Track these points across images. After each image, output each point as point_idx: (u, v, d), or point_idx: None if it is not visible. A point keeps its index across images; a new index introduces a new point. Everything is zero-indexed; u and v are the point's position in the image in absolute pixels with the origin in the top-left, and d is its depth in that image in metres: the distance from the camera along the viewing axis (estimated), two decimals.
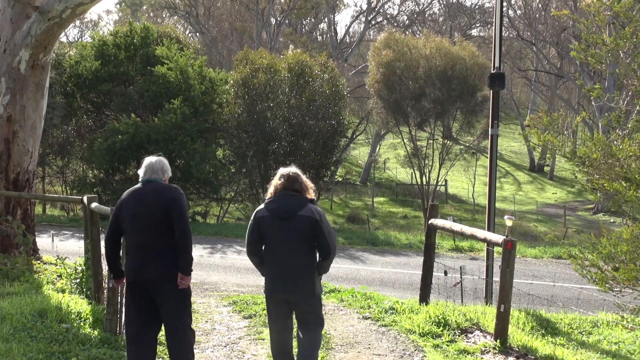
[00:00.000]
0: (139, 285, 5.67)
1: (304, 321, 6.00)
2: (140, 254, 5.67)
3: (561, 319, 9.06)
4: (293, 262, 5.81)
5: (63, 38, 49.19)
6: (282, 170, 6.05)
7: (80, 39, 53.96)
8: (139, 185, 5.86)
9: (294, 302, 5.93)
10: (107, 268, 6.02)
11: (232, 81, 29.97)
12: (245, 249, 6.06)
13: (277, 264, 5.84)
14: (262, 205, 6.00)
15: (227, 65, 47.87)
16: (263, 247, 5.98)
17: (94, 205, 8.44)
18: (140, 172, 5.92)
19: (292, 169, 6.05)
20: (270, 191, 6.02)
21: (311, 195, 6.02)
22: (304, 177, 6.07)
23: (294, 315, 6.08)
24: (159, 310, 5.71)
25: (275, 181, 6.00)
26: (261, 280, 14.08)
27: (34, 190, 12.41)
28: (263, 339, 7.97)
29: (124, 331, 5.92)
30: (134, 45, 29.40)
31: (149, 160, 5.95)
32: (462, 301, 11.01)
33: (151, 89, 27.81)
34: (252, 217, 5.97)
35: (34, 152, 11.82)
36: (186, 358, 5.75)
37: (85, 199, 9.10)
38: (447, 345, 7.30)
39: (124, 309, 5.89)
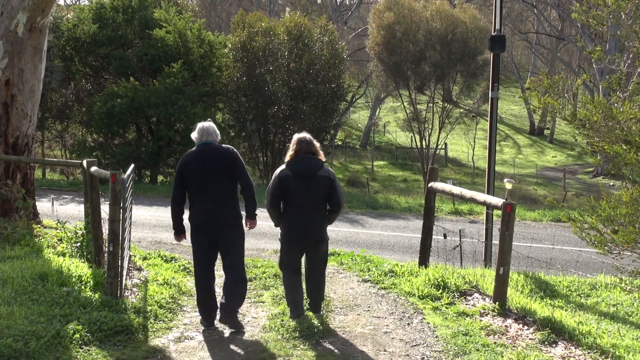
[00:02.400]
0: (205, 229, 6.69)
1: (314, 262, 7.06)
2: (208, 206, 6.65)
3: (560, 282, 9.11)
4: (312, 215, 6.85)
5: (61, 1, 48.78)
6: (299, 136, 6.97)
7: (77, 2, 53.43)
8: (198, 147, 6.75)
9: (308, 247, 6.99)
10: (172, 223, 6.97)
11: (230, 45, 29.75)
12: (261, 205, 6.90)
13: (299, 217, 6.83)
14: (283, 166, 6.89)
15: (226, 29, 47.46)
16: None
17: (93, 169, 8.42)
18: (195, 136, 6.81)
19: (307, 135, 6.99)
20: (289, 154, 6.93)
21: (322, 157, 6.99)
22: (315, 141, 7.00)
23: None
24: (220, 249, 6.83)
25: (295, 145, 6.90)
26: (261, 244, 14.24)
27: (34, 155, 12.38)
28: (263, 302, 8.03)
29: (193, 265, 7.03)
30: (131, 8, 29.14)
31: (202, 125, 6.83)
32: (461, 264, 11.06)
33: (150, 53, 27.66)
34: (275, 177, 6.86)
35: (33, 116, 11.76)
36: (242, 286, 6.88)
37: (84, 163, 9.10)
38: (446, 308, 7.34)
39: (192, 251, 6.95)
